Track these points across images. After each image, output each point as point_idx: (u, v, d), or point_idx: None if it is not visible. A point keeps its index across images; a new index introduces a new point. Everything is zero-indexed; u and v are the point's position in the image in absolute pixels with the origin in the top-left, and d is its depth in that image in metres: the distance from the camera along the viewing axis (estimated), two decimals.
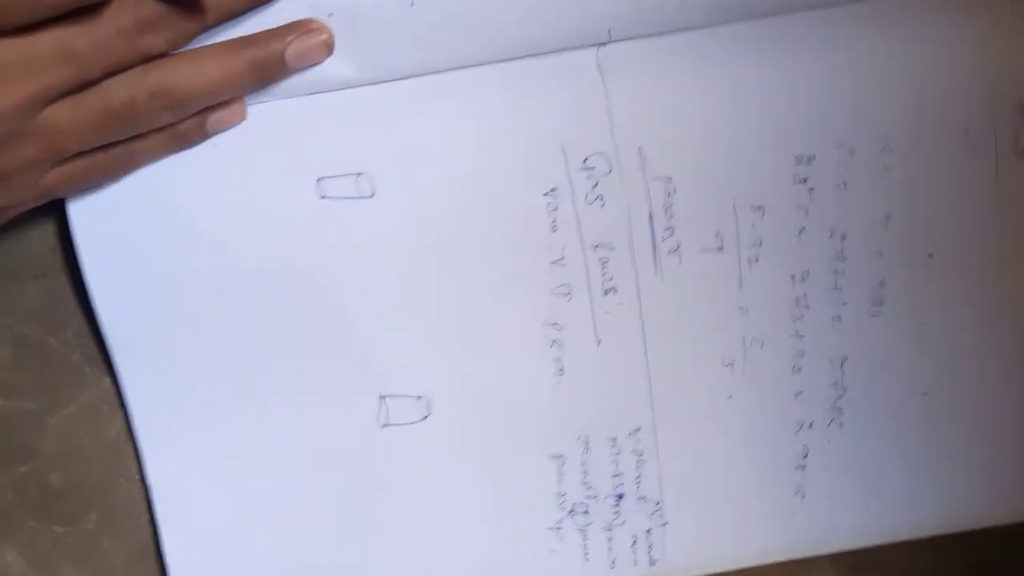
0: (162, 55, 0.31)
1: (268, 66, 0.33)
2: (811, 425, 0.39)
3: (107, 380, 0.37)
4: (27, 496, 0.38)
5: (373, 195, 0.36)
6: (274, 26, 0.33)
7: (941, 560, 0.41)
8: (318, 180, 0.35)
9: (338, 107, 0.34)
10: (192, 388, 0.37)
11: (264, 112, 0.34)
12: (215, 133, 0.34)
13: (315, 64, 0.33)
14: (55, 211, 0.35)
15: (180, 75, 0.31)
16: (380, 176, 0.35)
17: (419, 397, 0.38)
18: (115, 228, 0.35)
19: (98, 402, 0.38)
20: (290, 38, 0.33)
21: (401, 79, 0.34)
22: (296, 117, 0.34)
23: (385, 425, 0.38)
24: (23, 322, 0.37)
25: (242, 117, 0.34)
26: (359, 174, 0.35)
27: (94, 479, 0.38)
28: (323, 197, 0.35)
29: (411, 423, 0.38)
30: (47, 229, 0.36)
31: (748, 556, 0.40)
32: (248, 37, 0.33)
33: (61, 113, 0.30)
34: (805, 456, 0.39)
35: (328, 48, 0.33)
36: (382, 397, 0.37)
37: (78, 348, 0.37)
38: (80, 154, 0.32)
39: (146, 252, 0.35)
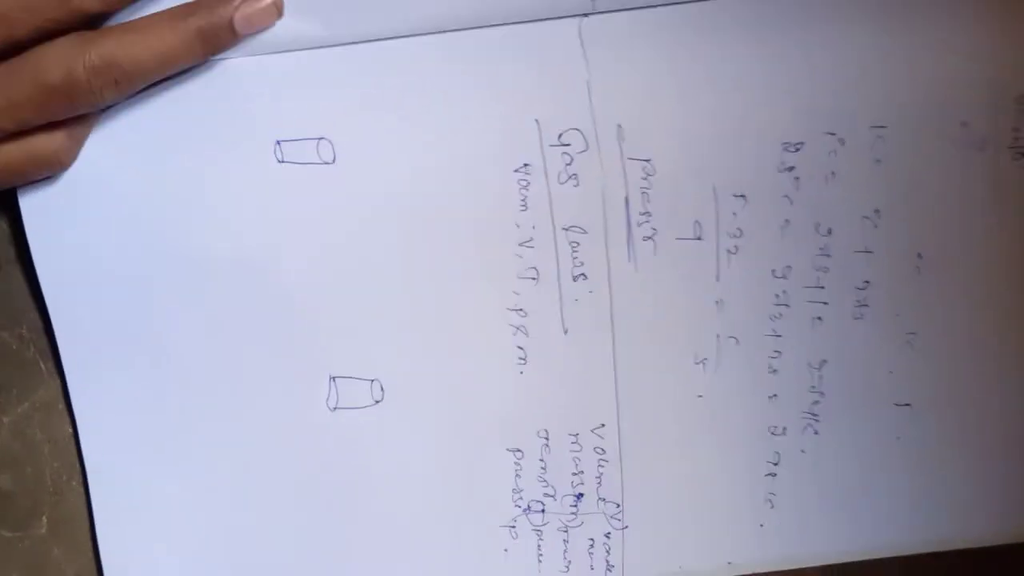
0: (97, 17, 0.30)
1: (216, 34, 0.31)
2: (784, 430, 0.37)
3: (61, 377, 0.36)
4: None
5: (334, 161, 0.34)
6: None
7: None
8: (277, 143, 0.34)
9: (302, 67, 0.33)
10: (139, 377, 0.35)
11: (223, 69, 0.33)
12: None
13: (266, 28, 0.32)
14: (8, 199, 0.34)
15: (124, 47, 0.30)
16: (342, 142, 0.34)
17: (372, 380, 0.36)
18: (66, 216, 0.34)
19: (52, 400, 0.36)
20: (237, 2, 0.31)
21: (370, 41, 0.33)
22: (257, 76, 0.33)
23: (335, 408, 0.36)
24: None
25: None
26: (320, 139, 0.34)
27: (45, 481, 0.37)
28: (281, 161, 0.34)
29: (363, 407, 0.36)
30: (0, 218, 0.35)
31: (712, 568, 0.38)
32: (193, 3, 0.31)
33: None
34: (776, 463, 0.38)
35: (278, 10, 0.32)
36: (332, 378, 0.36)
37: (32, 343, 0.36)
38: (14, 137, 0.31)
39: (97, 234, 0.34)
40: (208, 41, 0.31)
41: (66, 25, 0.29)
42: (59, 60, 0.29)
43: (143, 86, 0.32)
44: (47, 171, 0.33)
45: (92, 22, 0.30)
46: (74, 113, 0.31)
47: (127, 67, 0.30)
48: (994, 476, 0.38)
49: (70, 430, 0.36)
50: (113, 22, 0.31)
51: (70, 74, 0.29)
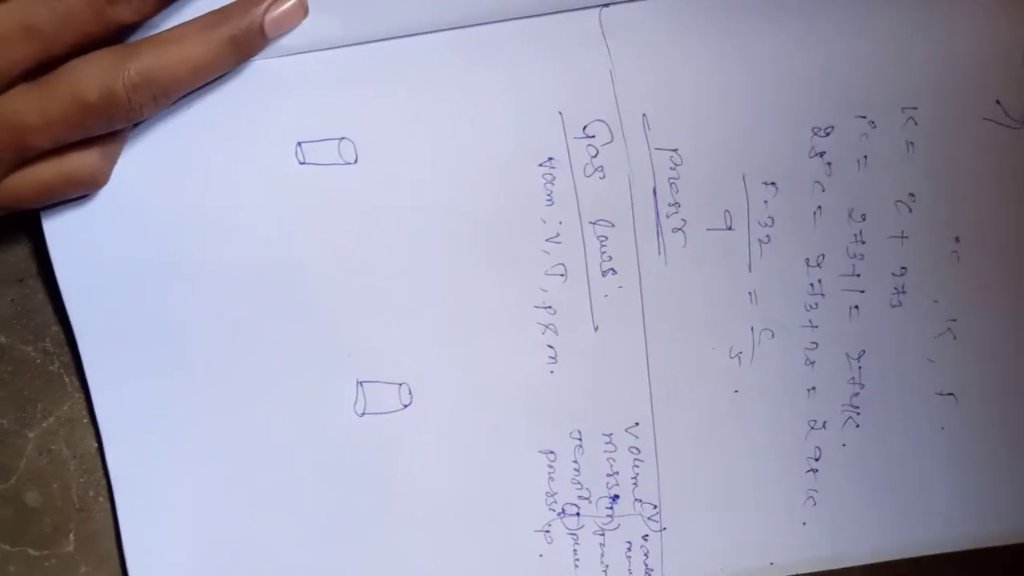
0: (129, 27, 0.30)
1: (247, 40, 0.32)
2: (824, 424, 0.37)
3: (84, 391, 0.36)
4: (1, 518, 0.37)
5: (356, 161, 0.34)
6: None
7: None
8: (298, 144, 0.34)
9: (322, 68, 0.34)
10: (164, 388, 0.35)
11: (242, 73, 0.33)
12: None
13: (293, 28, 0.33)
14: (28, 214, 0.34)
15: (160, 61, 0.30)
16: (364, 142, 0.34)
17: (400, 384, 0.36)
18: (88, 228, 0.34)
19: (77, 414, 0.37)
20: (265, 5, 0.31)
21: (389, 39, 0.33)
22: (278, 78, 0.33)
23: (363, 414, 0.36)
24: (0, 330, 0.36)
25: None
26: (342, 139, 0.34)
27: (72, 498, 0.37)
28: (303, 163, 0.34)
29: (391, 412, 0.36)
30: (22, 233, 0.35)
31: (754, 568, 0.38)
32: (223, 10, 0.31)
33: (27, 104, 0.29)
34: (817, 459, 0.37)
35: (304, 9, 0.32)
36: (360, 383, 0.36)
37: (56, 357, 0.36)
38: (49, 156, 0.31)
39: (118, 245, 0.34)
40: (240, 48, 0.32)
41: (101, 38, 0.29)
42: (96, 77, 0.29)
43: (177, 98, 0.32)
44: (82, 190, 0.33)
45: (124, 32, 0.30)
46: (111, 129, 0.31)
47: (165, 81, 0.30)
48: None
49: (95, 444, 0.36)
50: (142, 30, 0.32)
51: (109, 91, 0.29)
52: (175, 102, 0.32)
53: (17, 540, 0.37)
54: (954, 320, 0.37)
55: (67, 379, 0.36)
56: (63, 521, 0.37)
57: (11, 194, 0.31)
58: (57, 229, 0.34)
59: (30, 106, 0.29)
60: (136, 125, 0.33)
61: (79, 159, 0.31)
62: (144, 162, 0.33)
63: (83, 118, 0.30)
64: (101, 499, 0.37)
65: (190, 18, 0.31)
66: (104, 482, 0.36)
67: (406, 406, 0.36)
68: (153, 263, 0.34)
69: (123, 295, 0.34)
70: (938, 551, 0.38)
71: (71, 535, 0.37)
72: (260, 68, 0.33)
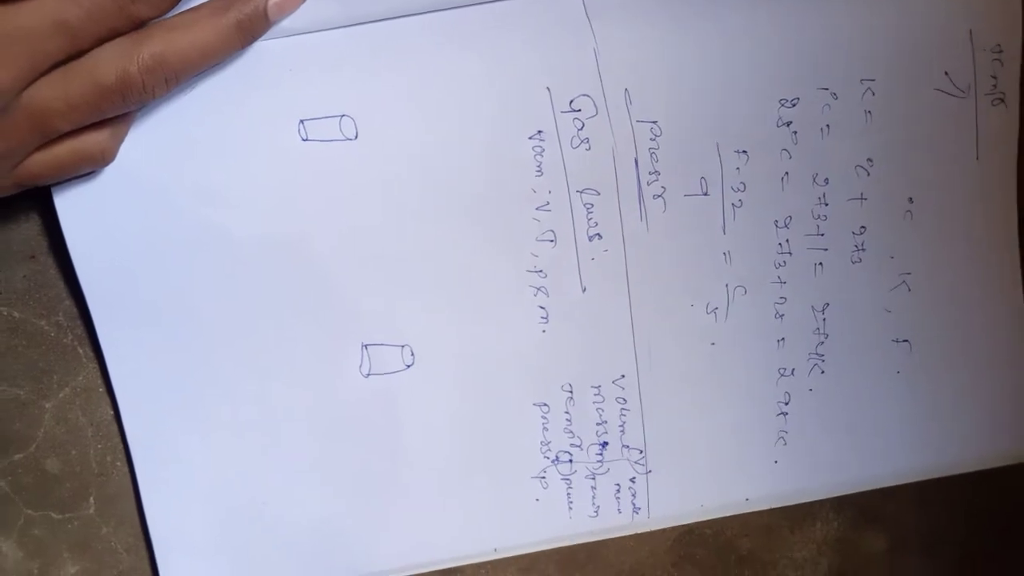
0: (148, 21, 0.31)
1: (252, 24, 0.33)
2: (793, 372, 0.39)
3: (99, 361, 0.37)
4: (23, 484, 0.37)
5: (356, 137, 0.35)
6: None
7: (949, 509, 0.42)
8: (301, 122, 0.35)
9: (323, 48, 0.34)
10: (175, 355, 0.36)
11: (244, 54, 0.34)
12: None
13: (294, 11, 0.33)
14: (38, 192, 0.35)
15: (171, 45, 0.31)
16: (364, 118, 0.35)
17: (403, 346, 0.37)
18: (98, 203, 0.34)
19: (92, 384, 0.37)
20: None
21: (387, 19, 0.34)
22: (280, 58, 0.34)
23: (368, 375, 0.37)
24: (13, 306, 0.36)
25: None
26: (342, 116, 0.35)
27: (91, 463, 0.38)
28: (305, 139, 0.35)
29: (395, 372, 0.37)
30: (32, 211, 0.36)
31: (731, 504, 0.40)
32: None
33: (51, 90, 0.30)
34: (787, 403, 0.39)
35: None
36: (364, 346, 0.37)
37: (70, 330, 0.37)
38: (65, 137, 0.31)
39: (129, 219, 0.35)
40: (246, 32, 0.33)
41: (123, 32, 0.30)
42: (113, 62, 0.30)
43: (187, 80, 0.33)
44: (91, 167, 0.34)
45: (143, 26, 0.31)
46: (124, 111, 0.32)
47: (176, 64, 0.31)
48: (990, 402, 0.40)
49: (111, 412, 0.37)
50: None
51: (125, 74, 0.30)
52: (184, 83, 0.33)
53: (40, 505, 0.38)
54: (908, 273, 0.39)
55: (81, 351, 0.37)
56: (83, 485, 0.38)
57: (28, 172, 0.32)
58: (69, 205, 0.34)
59: (55, 92, 0.29)
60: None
61: (92, 138, 0.32)
62: (153, 140, 0.34)
63: (100, 100, 0.30)
64: (119, 463, 0.38)
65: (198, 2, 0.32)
66: (121, 447, 0.37)
67: (409, 366, 0.37)
68: (163, 236, 0.35)
69: (134, 268, 0.35)
70: (895, 483, 0.41)
71: (91, 498, 0.38)
72: (263, 49, 0.34)
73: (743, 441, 0.40)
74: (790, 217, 0.38)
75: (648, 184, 0.37)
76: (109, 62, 0.30)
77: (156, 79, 0.31)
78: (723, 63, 0.36)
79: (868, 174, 0.38)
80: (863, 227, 0.38)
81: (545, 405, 0.38)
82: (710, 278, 0.38)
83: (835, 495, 0.41)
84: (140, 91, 0.31)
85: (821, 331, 0.39)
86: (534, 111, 0.36)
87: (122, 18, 0.29)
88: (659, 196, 0.37)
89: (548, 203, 0.37)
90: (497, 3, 0.34)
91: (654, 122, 0.36)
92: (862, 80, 0.37)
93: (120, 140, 0.34)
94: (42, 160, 0.32)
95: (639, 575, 0.41)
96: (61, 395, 0.37)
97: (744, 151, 0.37)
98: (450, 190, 0.36)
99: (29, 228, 0.36)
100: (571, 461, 0.39)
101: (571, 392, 0.38)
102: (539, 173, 0.36)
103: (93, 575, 0.38)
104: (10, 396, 0.37)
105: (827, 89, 0.37)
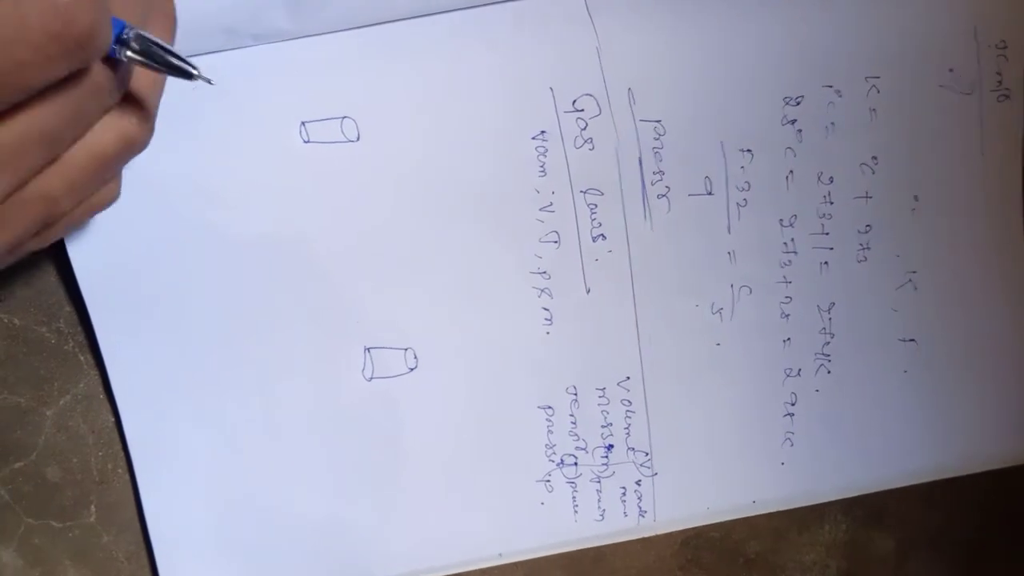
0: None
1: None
2: (799, 372, 0.39)
3: (100, 368, 0.37)
4: (23, 492, 0.37)
5: (358, 139, 0.35)
6: None
7: (958, 509, 0.42)
8: (302, 124, 0.35)
9: (323, 50, 0.34)
10: (177, 361, 0.36)
11: (248, 57, 0.34)
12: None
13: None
14: None
15: (145, 80, 0.28)
16: (365, 120, 0.35)
17: (406, 349, 0.37)
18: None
19: (93, 391, 0.37)
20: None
21: (388, 22, 0.34)
22: (281, 61, 0.34)
23: (371, 378, 0.37)
24: (13, 313, 0.36)
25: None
26: (344, 118, 0.35)
27: (91, 471, 0.37)
28: (307, 141, 0.35)
29: (398, 375, 0.37)
30: None
31: (739, 507, 0.40)
32: None
33: (51, 182, 0.27)
34: (793, 404, 0.39)
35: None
36: (367, 349, 0.37)
37: (71, 337, 0.37)
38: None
39: (129, 225, 0.34)
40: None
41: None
42: (111, 131, 0.27)
43: None
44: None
45: None
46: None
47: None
48: (997, 401, 0.40)
49: (111, 419, 0.37)
50: None
51: (126, 136, 0.28)
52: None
53: (40, 513, 0.37)
54: (914, 272, 0.39)
55: (82, 358, 0.37)
56: (83, 493, 0.37)
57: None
58: None
59: (54, 182, 0.27)
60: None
61: (101, 194, 0.30)
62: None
63: (106, 170, 0.28)
64: (120, 471, 0.37)
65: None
66: (122, 455, 0.37)
67: (412, 369, 0.37)
68: (164, 242, 0.35)
69: (136, 274, 0.35)
70: (903, 484, 0.41)
71: (92, 506, 0.37)
72: (264, 52, 0.33)
73: (749, 442, 0.39)
74: (795, 216, 0.38)
75: (652, 184, 0.37)
76: (105, 132, 0.27)
77: (151, 127, 0.29)
78: (726, 61, 0.36)
79: (873, 172, 0.38)
80: (868, 226, 0.38)
81: (550, 408, 0.38)
82: (715, 278, 0.38)
83: (843, 497, 0.41)
84: (143, 143, 0.29)
85: (827, 331, 0.39)
86: (537, 111, 0.36)
87: (100, 111, 0.27)
88: (663, 196, 0.37)
89: (551, 204, 0.36)
90: (498, 4, 0.34)
91: (657, 121, 0.36)
92: (867, 78, 0.37)
93: (120, 180, 0.32)
94: (56, 230, 0.29)
95: None
96: (62, 402, 0.37)
97: (748, 150, 0.37)
98: (452, 192, 0.36)
99: None
100: (576, 464, 0.39)
101: (576, 394, 0.38)
102: (542, 174, 0.36)
103: None
104: (11, 404, 0.37)
105: (832, 87, 0.37)
